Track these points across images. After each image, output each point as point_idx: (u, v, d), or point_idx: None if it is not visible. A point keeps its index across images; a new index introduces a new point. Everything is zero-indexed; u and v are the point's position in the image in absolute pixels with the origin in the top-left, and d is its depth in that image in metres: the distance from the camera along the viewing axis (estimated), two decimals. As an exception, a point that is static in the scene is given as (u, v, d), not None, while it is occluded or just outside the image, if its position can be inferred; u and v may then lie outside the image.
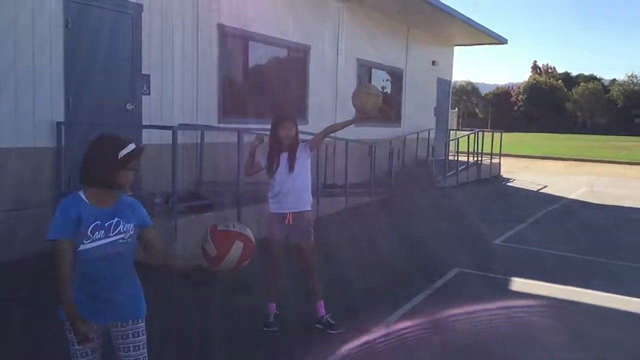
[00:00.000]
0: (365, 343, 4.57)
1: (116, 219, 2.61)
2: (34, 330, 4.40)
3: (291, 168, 4.70)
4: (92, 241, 2.54)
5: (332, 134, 5.19)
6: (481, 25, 15.93)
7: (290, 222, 4.74)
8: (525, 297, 5.96)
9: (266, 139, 4.84)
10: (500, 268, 6.90)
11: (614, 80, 76.69)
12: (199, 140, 8.51)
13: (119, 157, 2.55)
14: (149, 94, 7.97)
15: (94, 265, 2.59)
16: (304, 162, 4.77)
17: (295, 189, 4.74)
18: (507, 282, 6.38)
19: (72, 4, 6.83)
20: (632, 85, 70.94)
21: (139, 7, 7.72)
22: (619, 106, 70.51)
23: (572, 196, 13.91)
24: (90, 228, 2.54)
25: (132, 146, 2.59)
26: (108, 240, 2.58)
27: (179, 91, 8.47)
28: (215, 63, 9.18)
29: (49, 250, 2.54)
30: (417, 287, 6.00)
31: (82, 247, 2.54)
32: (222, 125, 9.10)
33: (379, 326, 4.89)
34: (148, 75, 7.96)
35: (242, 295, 5.60)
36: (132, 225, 2.66)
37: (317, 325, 4.80)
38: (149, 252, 2.76)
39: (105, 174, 2.56)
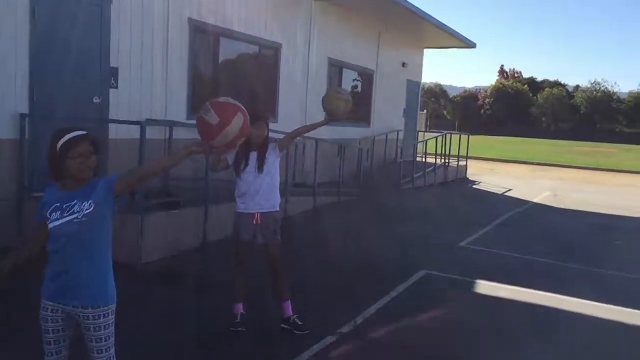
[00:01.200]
0: (331, 344, 4.58)
1: (75, 200, 2.68)
2: None
3: (260, 168, 4.65)
4: (51, 222, 2.68)
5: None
6: (451, 29, 16.10)
7: (259, 222, 4.69)
8: (488, 299, 6.06)
9: None
10: (465, 271, 6.99)
11: (578, 86, 78.38)
12: (167, 137, 8.39)
13: (58, 149, 2.64)
14: (116, 87, 7.84)
15: (55, 245, 2.69)
16: (274, 162, 4.73)
17: (263, 190, 4.68)
18: (471, 285, 6.46)
19: (39, -7, 6.67)
20: (595, 92, 72.58)
21: (109, -1, 7.59)
22: (582, 112, 72.11)
23: (536, 200, 14.18)
24: (50, 210, 2.69)
25: (69, 136, 2.65)
26: (63, 220, 2.67)
27: (147, 86, 8.35)
28: (186, 58, 9.08)
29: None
30: (385, 288, 6.03)
31: (49, 228, 2.69)
32: (191, 121, 8.99)
33: (344, 327, 4.90)
34: (117, 69, 7.82)
35: (207, 296, 5.56)
36: (89, 203, 2.66)
37: (283, 326, 4.78)
38: (143, 183, 2.80)
39: (52, 166, 2.68)
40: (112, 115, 7.73)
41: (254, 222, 4.68)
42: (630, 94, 72.15)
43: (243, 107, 2.83)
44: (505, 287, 6.36)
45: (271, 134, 4.85)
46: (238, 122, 2.73)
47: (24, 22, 6.58)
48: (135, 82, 8.11)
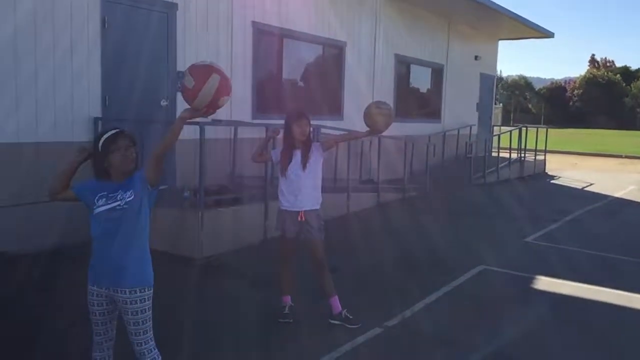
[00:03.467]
0: (375, 337, 4.65)
1: (120, 190, 2.98)
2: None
3: (304, 165, 4.75)
4: (97, 207, 2.99)
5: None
6: (524, 19, 15.63)
7: (303, 219, 4.80)
8: (545, 295, 5.91)
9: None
10: (525, 266, 6.84)
11: (677, 74, 73.42)
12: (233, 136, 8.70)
13: (100, 147, 2.98)
14: (183, 90, 8.20)
15: (99, 228, 2.99)
16: (316, 161, 4.81)
17: (307, 187, 4.78)
18: (529, 280, 6.31)
19: (108, 3, 7.13)
20: (695, 80, 67.77)
21: (174, 6, 7.98)
22: (681, 101, 67.55)
23: (618, 194, 13.52)
24: (97, 197, 3.01)
25: (108, 134, 3.00)
26: (107, 206, 2.98)
27: (212, 88, 8.65)
28: (250, 60, 9.37)
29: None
30: (438, 283, 6.02)
31: (93, 213, 3.00)
32: (256, 121, 9.28)
33: (392, 320, 4.96)
34: (183, 72, 8.18)
35: (260, 289, 5.75)
36: (130, 192, 2.97)
37: (332, 321, 4.84)
38: (164, 152, 2.97)
39: (96, 163, 3.04)
40: (179, 116, 8.09)
41: (299, 219, 4.80)
42: None
43: (220, 68, 2.90)
44: (566, 283, 6.17)
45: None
46: (213, 81, 2.81)
47: (95, 31, 7.05)
48: (200, 84, 8.43)
